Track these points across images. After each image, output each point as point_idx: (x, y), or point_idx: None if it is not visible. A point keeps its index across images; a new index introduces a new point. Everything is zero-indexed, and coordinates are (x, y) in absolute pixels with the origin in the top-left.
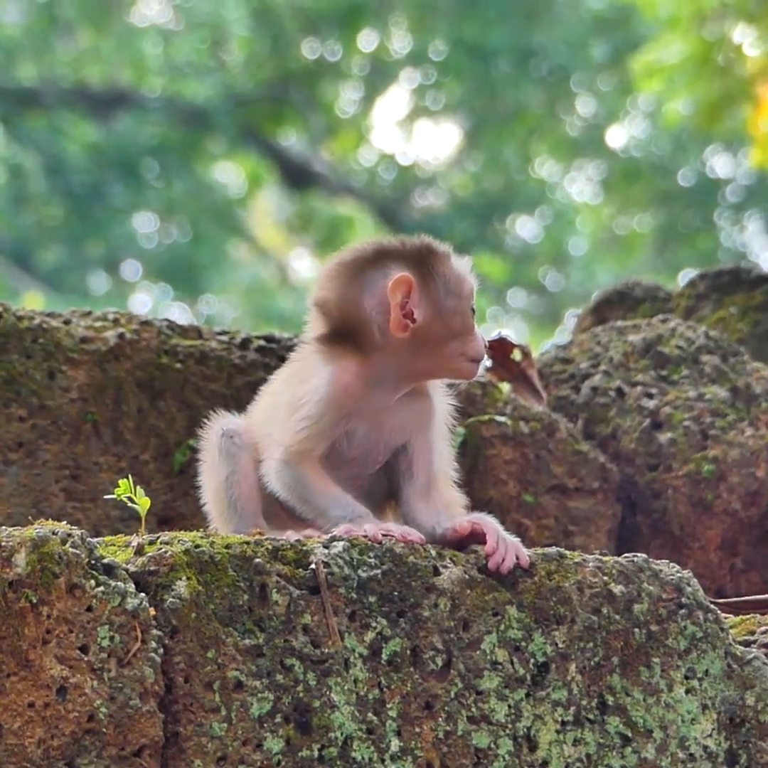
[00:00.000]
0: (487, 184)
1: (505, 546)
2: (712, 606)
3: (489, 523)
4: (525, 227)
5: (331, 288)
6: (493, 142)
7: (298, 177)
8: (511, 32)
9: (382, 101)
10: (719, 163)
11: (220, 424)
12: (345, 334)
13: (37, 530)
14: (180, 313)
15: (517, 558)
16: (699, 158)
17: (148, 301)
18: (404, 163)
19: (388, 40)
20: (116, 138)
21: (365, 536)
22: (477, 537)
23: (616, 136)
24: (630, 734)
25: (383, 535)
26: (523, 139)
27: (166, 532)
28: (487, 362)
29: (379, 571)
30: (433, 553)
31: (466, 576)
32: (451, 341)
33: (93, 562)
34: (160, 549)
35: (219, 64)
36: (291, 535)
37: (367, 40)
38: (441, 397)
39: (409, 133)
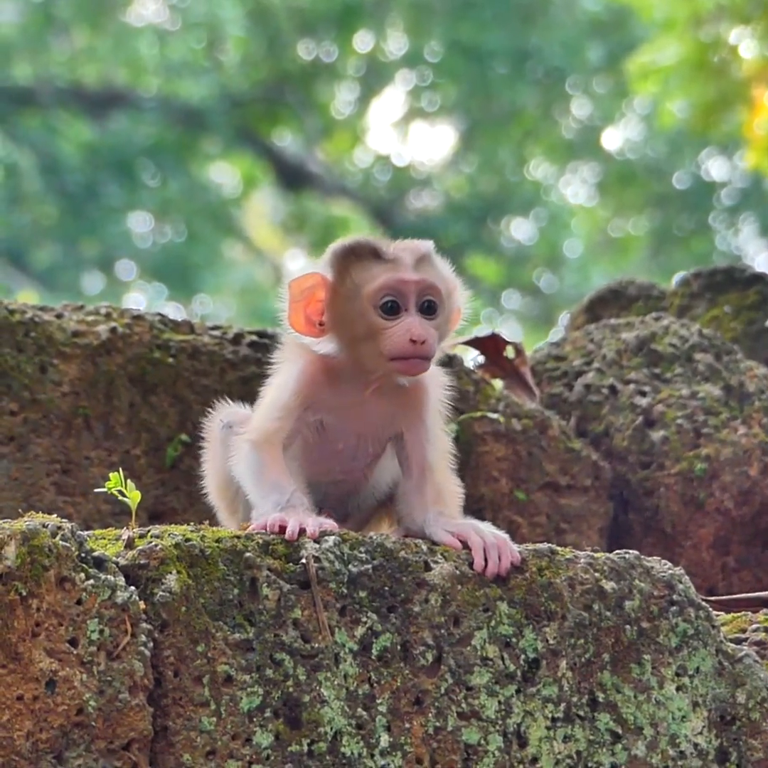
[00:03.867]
0: (482, 185)
1: (497, 552)
2: (703, 603)
3: (473, 536)
4: (520, 229)
5: None
6: (488, 143)
7: (293, 178)
8: (506, 34)
9: (378, 102)
10: (714, 166)
11: (221, 414)
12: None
13: (27, 523)
14: (174, 313)
15: (510, 555)
16: (694, 161)
17: (143, 301)
18: (399, 164)
19: (384, 42)
20: (111, 137)
21: (281, 531)
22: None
23: (612, 139)
24: (620, 731)
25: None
26: (519, 141)
27: (157, 526)
28: (430, 354)
29: (369, 565)
30: (425, 548)
31: (457, 571)
32: (362, 344)
33: (83, 555)
34: (151, 542)
35: (215, 65)
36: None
37: (362, 42)
38: (435, 385)
39: (404, 134)
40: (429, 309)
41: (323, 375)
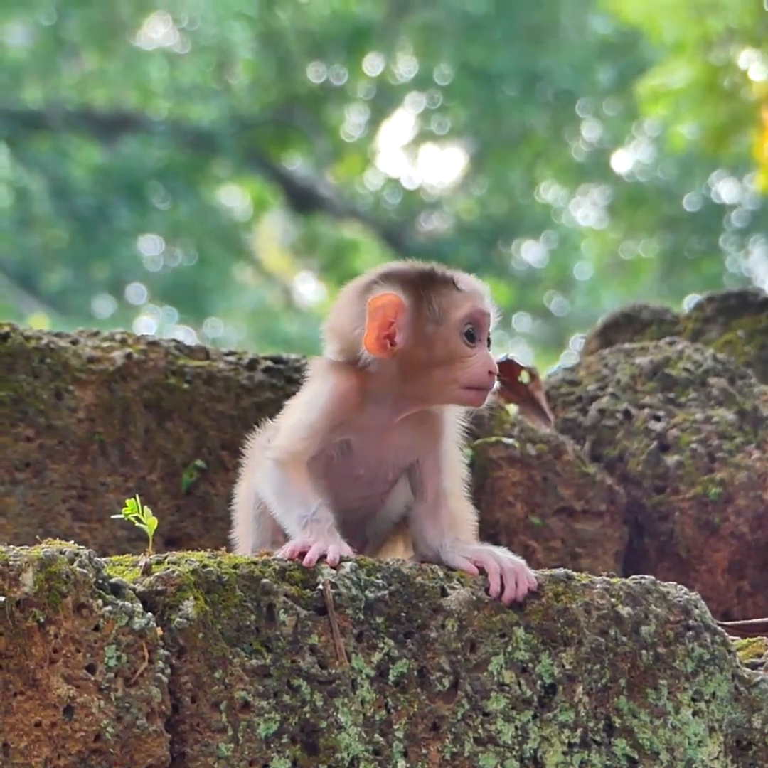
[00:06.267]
0: (493, 208)
1: (514, 577)
2: (719, 628)
3: (490, 562)
4: (530, 252)
5: (338, 311)
6: (498, 166)
7: (303, 201)
8: (516, 56)
9: (388, 125)
10: (725, 188)
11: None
12: (351, 356)
13: (44, 550)
14: (185, 336)
15: (527, 581)
16: (704, 183)
17: (153, 325)
18: (410, 187)
19: (394, 64)
20: (121, 161)
21: (300, 558)
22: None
23: (622, 161)
24: (637, 756)
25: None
26: (529, 163)
27: (174, 552)
28: (494, 389)
29: (386, 591)
30: (441, 574)
31: (474, 597)
32: (436, 369)
33: (100, 581)
34: (168, 569)
35: (224, 88)
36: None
37: (372, 64)
38: (452, 415)
39: (414, 157)
40: (489, 343)
41: (354, 395)
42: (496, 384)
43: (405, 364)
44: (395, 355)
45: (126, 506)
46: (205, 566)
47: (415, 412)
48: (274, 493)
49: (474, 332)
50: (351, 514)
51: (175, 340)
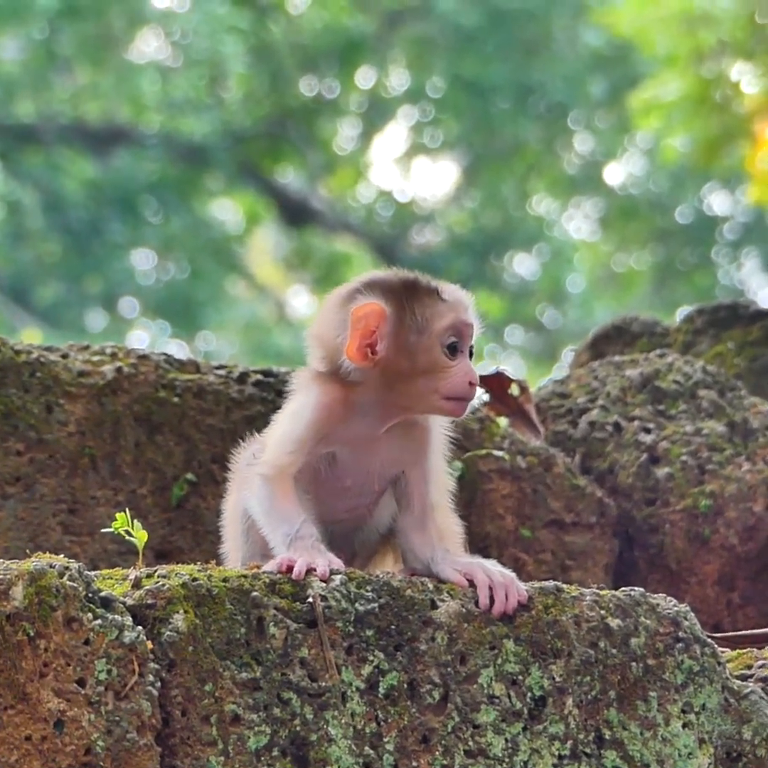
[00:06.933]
0: (485, 221)
1: (503, 590)
2: (709, 640)
3: (480, 575)
4: (523, 264)
5: (321, 318)
6: (491, 178)
7: (296, 214)
8: (509, 69)
9: (380, 138)
10: (717, 201)
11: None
12: (334, 365)
13: (34, 563)
14: (178, 350)
15: (517, 594)
16: (697, 195)
17: (146, 338)
18: (402, 200)
19: (386, 77)
20: (114, 174)
21: (288, 571)
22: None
23: (614, 174)
24: None
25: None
26: (521, 176)
27: (164, 566)
28: (478, 400)
29: (376, 604)
30: (431, 586)
31: (464, 610)
32: (418, 378)
33: (90, 595)
34: (158, 582)
35: (217, 101)
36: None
37: (365, 77)
38: (438, 427)
39: (407, 170)
40: (471, 354)
41: (338, 407)
42: (479, 395)
43: (387, 373)
44: (377, 365)
45: (116, 520)
46: (195, 579)
47: (401, 422)
48: (261, 510)
49: (456, 343)
50: (339, 525)
51: (165, 354)
